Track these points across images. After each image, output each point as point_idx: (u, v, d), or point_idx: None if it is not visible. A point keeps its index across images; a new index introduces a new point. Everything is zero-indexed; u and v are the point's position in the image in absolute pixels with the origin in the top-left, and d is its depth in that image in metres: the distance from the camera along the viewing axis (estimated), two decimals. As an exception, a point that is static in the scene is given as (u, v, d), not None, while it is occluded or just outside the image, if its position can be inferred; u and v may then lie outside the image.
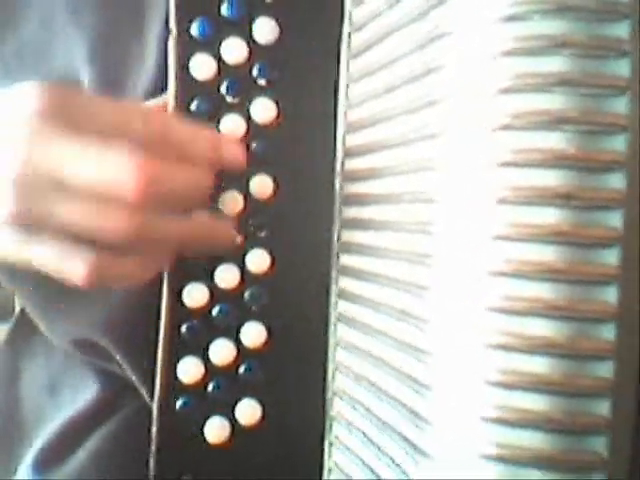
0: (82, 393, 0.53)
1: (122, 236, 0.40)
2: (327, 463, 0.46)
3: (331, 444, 0.46)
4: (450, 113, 0.36)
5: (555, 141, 0.33)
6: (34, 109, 0.40)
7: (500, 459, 0.33)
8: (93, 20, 0.51)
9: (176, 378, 0.46)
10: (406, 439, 0.38)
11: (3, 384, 0.58)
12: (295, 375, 0.47)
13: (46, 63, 0.52)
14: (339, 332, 0.46)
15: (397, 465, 0.39)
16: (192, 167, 0.42)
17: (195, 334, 0.46)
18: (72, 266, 0.41)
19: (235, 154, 0.44)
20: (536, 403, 0.33)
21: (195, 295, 0.46)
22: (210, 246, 0.45)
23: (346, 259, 0.45)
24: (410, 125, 0.38)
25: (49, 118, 0.40)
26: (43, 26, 0.52)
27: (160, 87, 0.47)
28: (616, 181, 0.33)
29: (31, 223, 0.40)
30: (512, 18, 0.34)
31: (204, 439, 0.46)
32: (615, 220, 0.32)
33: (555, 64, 0.33)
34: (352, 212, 0.45)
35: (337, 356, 0.46)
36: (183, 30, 0.46)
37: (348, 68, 0.45)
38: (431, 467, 0.36)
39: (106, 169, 0.39)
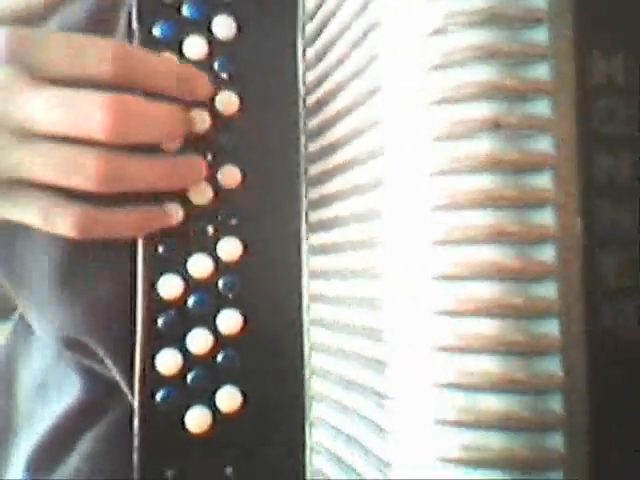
0: (68, 392, 0.54)
1: (97, 180, 0.40)
2: (308, 443, 0.46)
3: (311, 423, 0.46)
4: (392, 130, 0.36)
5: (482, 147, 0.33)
6: None
7: (460, 461, 0.33)
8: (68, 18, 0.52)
9: (155, 370, 0.47)
10: (367, 450, 0.39)
11: (2, 384, 0.59)
12: (272, 358, 0.47)
13: None
14: (312, 312, 0.46)
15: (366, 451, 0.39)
16: (163, 103, 0.42)
17: (172, 325, 0.47)
18: (57, 221, 0.42)
19: (202, 82, 0.45)
20: (491, 403, 0.33)
21: (170, 286, 0.47)
22: (184, 184, 0.45)
23: (315, 239, 0.46)
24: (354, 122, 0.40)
25: (8, 64, 0.40)
26: None
27: None
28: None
29: (2, 176, 0.41)
30: (438, 32, 0.34)
31: (186, 429, 0.47)
32: (547, 218, 0.32)
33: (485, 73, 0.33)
34: (318, 192, 0.46)
35: (312, 335, 0.46)
36: (146, 31, 0.47)
37: (304, 55, 0.47)
38: (395, 475, 0.36)
39: (73, 112, 0.39)
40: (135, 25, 0.48)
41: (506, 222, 0.32)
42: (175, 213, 0.45)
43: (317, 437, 0.46)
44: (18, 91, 0.40)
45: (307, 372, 0.47)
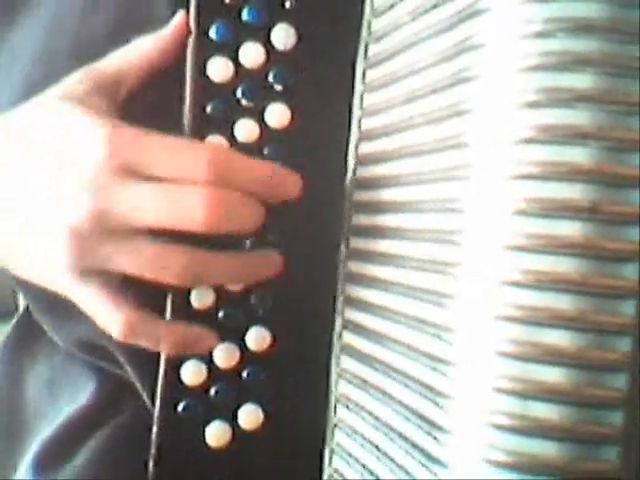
0: (81, 391, 0.53)
1: (180, 277, 0.41)
2: (327, 470, 0.46)
3: (332, 451, 0.46)
4: (476, 124, 0.36)
5: (577, 155, 0.34)
6: (100, 158, 0.41)
7: (513, 467, 0.33)
8: (107, 4, 0.51)
9: (179, 380, 0.46)
10: (417, 446, 0.38)
11: (6, 383, 0.58)
12: (298, 381, 0.47)
13: (60, 44, 0.51)
14: (344, 339, 0.46)
15: (406, 472, 0.39)
16: (250, 199, 0.43)
17: (199, 337, 0.46)
18: (110, 321, 0.43)
19: (292, 184, 0.44)
20: (549, 412, 0.33)
21: (200, 298, 0.46)
22: (259, 278, 0.46)
23: (355, 266, 0.45)
24: (433, 135, 0.39)
25: (115, 169, 0.41)
26: (57, 10, 0.52)
27: None
28: (637, 197, 0.33)
29: (83, 271, 0.42)
30: (540, 35, 0.35)
31: (205, 442, 0.46)
32: (635, 235, 0.33)
33: (580, 80, 0.34)
34: (363, 219, 0.45)
35: (341, 363, 0.46)
36: (202, 32, 0.46)
37: (364, 77, 0.46)
38: (445, 475, 0.36)
39: (175, 206, 0.40)
40: (192, 24, 0.46)
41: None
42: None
43: (337, 465, 0.46)
44: (117, 193, 0.41)
45: (332, 399, 0.46)
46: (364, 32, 0.46)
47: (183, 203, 0.40)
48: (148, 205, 0.41)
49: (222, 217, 0.41)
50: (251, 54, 0.46)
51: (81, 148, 0.42)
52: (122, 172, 0.41)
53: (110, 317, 0.43)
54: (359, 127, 0.46)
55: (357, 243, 0.45)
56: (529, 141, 0.34)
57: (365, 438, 0.43)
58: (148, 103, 0.46)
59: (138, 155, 0.41)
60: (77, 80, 0.45)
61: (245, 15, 0.46)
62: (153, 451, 0.46)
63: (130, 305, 0.43)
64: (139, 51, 0.46)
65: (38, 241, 0.44)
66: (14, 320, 0.59)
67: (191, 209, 0.40)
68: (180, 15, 0.46)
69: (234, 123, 0.46)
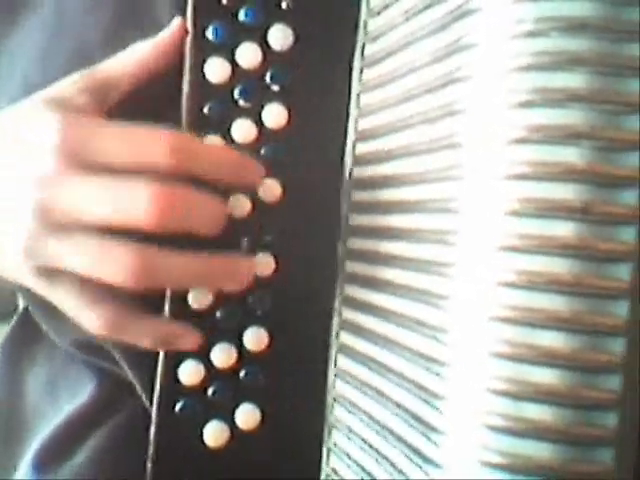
0: (81, 390, 0.53)
1: (128, 276, 0.39)
2: (324, 469, 0.46)
3: (329, 450, 0.46)
4: (469, 124, 0.36)
5: (569, 155, 0.34)
6: (51, 146, 0.40)
7: (507, 468, 0.34)
8: (107, 5, 0.51)
9: (177, 380, 0.46)
10: (411, 447, 0.38)
11: (6, 383, 0.58)
12: (296, 381, 0.47)
13: (59, 45, 0.51)
14: (341, 339, 0.46)
15: (400, 472, 0.39)
16: (208, 196, 0.41)
17: (197, 337, 0.46)
18: (85, 318, 0.42)
19: (253, 170, 0.43)
20: (543, 413, 0.33)
21: (198, 298, 0.46)
22: (221, 285, 0.44)
23: (352, 266, 0.45)
24: (427, 135, 0.39)
25: (65, 157, 0.40)
26: (57, 11, 0.52)
27: None
28: (630, 197, 0.33)
29: (39, 269, 0.41)
30: (532, 34, 0.35)
31: (203, 442, 0.46)
32: (628, 235, 0.33)
33: (572, 80, 0.34)
34: (360, 219, 0.45)
35: (338, 363, 0.46)
36: (199, 33, 0.46)
37: (361, 77, 0.46)
38: (439, 476, 0.36)
39: (120, 201, 0.39)
40: (189, 25, 0.46)
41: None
42: None
43: (334, 465, 0.46)
44: (65, 180, 0.40)
45: (330, 398, 0.46)
46: (360, 32, 0.46)
47: (128, 198, 0.39)
48: (93, 200, 0.39)
49: (170, 213, 0.39)
50: (248, 55, 0.46)
51: (35, 138, 0.41)
52: (72, 164, 0.40)
53: (87, 317, 0.42)
54: (356, 127, 0.46)
55: (355, 243, 0.45)
56: (521, 141, 0.34)
57: (362, 438, 0.43)
58: (146, 103, 0.46)
59: (90, 141, 0.40)
60: (72, 81, 0.45)
61: (242, 16, 0.46)
62: (151, 451, 0.46)
63: (108, 301, 0.42)
64: (135, 57, 0.46)
65: (3, 238, 0.43)
66: (13, 320, 0.60)
67: (135, 204, 0.39)
68: (177, 20, 0.46)
69: (231, 123, 0.46)
